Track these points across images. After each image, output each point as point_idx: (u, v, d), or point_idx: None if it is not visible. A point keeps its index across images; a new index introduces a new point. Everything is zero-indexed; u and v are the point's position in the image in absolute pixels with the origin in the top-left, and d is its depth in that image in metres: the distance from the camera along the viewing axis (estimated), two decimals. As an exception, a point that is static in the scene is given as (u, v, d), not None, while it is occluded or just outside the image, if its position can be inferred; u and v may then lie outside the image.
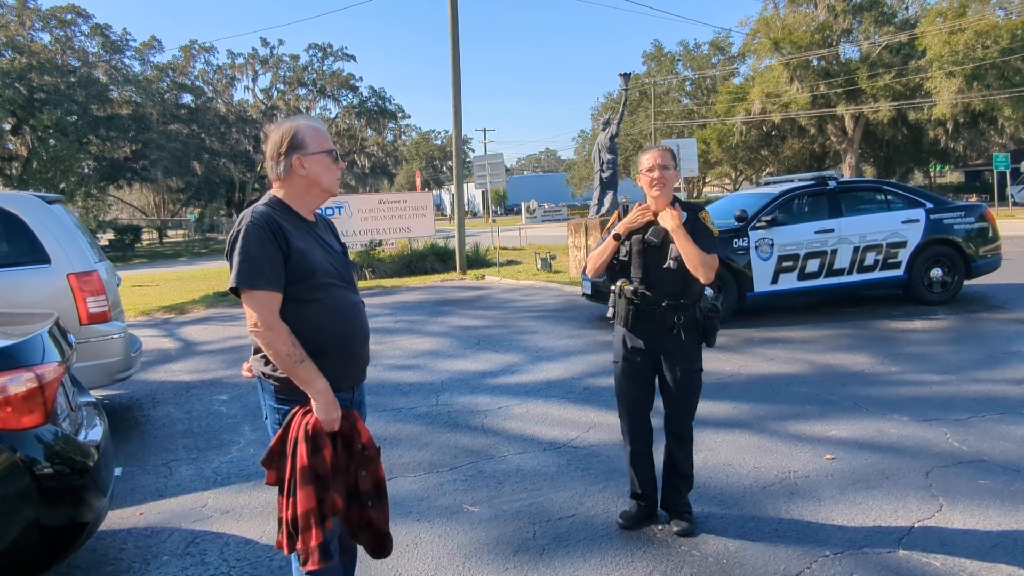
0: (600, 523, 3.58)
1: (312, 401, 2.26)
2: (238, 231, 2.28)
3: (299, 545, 2.21)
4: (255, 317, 2.24)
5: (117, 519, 3.97)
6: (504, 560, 3.27)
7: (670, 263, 3.26)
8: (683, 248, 3.21)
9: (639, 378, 3.43)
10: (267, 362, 2.31)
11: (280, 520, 2.28)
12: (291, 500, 2.22)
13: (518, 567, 3.20)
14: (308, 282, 2.31)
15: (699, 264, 3.20)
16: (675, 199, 3.39)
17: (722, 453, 4.39)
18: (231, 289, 2.27)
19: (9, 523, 2.62)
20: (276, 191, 2.42)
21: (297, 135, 2.37)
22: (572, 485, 4.07)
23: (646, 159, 3.36)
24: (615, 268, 3.44)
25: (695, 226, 3.29)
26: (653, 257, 3.31)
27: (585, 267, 3.65)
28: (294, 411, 2.29)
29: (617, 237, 3.38)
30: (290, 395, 2.31)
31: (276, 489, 2.32)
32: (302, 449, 2.21)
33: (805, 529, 3.39)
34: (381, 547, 2.45)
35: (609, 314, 3.48)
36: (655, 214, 3.34)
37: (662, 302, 3.28)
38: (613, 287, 3.45)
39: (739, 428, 4.88)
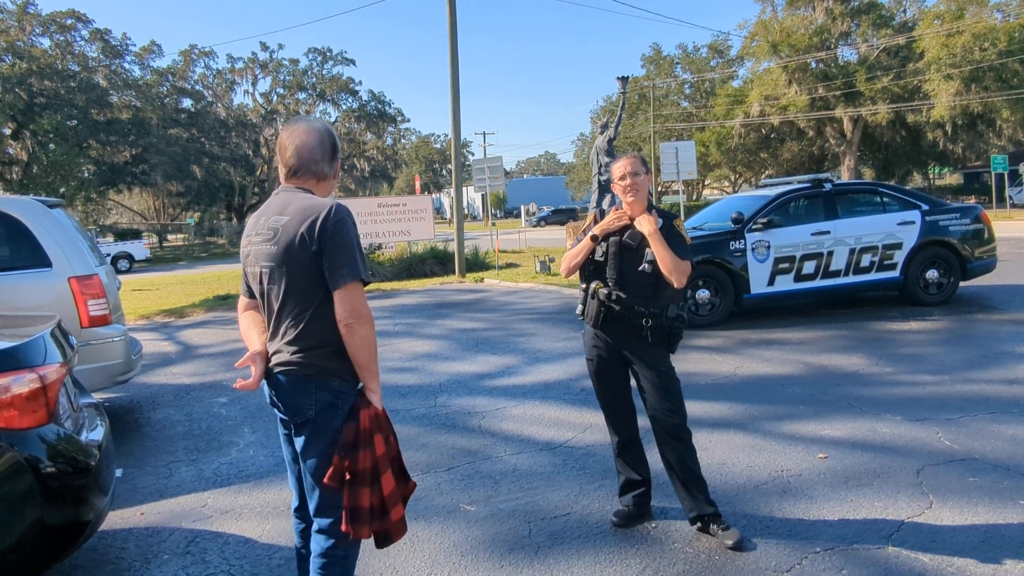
0: (594, 521, 3.63)
1: (371, 392, 2.37)
2: (339, 220, 2.25)
3: (389, 524, 2.34)
4: (360, 308, 2.25)
5: (118, 519, 4.02)
6: (499, 558, 3.32)
7: (645, 266, 3.33)
8: (658, 253, 3.28)
9: (612, 375, 3.51)
10: (332, 356, 2.31)
11: (356, 509, 2.30)
12: (376, 487, 2.31)
13: (513, 564, 3.25)
14: None
15: (673, 268, 3.26)
16: (651, 206, 3.45)
17: (716, 452, 4.44)
18: (348, 283, 2.23)
19: (13, 521, 2.66)
20: (312, 188, 2.42)
21: (337, 141, 2.48)
22: (567, 484, 4.12)
23: (617, 169, 3.44)
24: (589, 269, 3.51)
25: (670, 233, 3.35)
26: (629, 259, 3.37)
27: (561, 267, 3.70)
28: (354, 405, 2.37)
29: (594, 238, 3.45)
30: (349, 388, 2.38)
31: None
32: (379, 439, 2.33)
33: (796, 526, 3.44)
34: (387, 535, 2.45)
35: (578, 311, 3.56)
36: (631, 219, 3.41)
37: (633, 305, 3.34)
38: (583, 286, 3.51)
39: (733, 428, 4.93)
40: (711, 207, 11.32)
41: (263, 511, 4.01)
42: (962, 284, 9.25)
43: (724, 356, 7.11)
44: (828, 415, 5.08)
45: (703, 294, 8.60)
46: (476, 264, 18.34)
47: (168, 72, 47.22)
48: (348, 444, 2.31)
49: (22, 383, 2.79)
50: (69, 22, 40.85)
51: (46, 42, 40.76)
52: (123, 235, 41.54)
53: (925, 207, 9.05)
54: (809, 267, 8.70)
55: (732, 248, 8.58)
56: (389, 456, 2.37)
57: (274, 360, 2.37)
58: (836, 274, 8.76)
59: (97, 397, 4.16)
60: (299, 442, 2.39)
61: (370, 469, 2.31)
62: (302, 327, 2.31)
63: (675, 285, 3.31)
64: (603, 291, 3.39)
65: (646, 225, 3.34)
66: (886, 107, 34.64)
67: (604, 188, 14.89)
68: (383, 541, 2.38)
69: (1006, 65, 31.39)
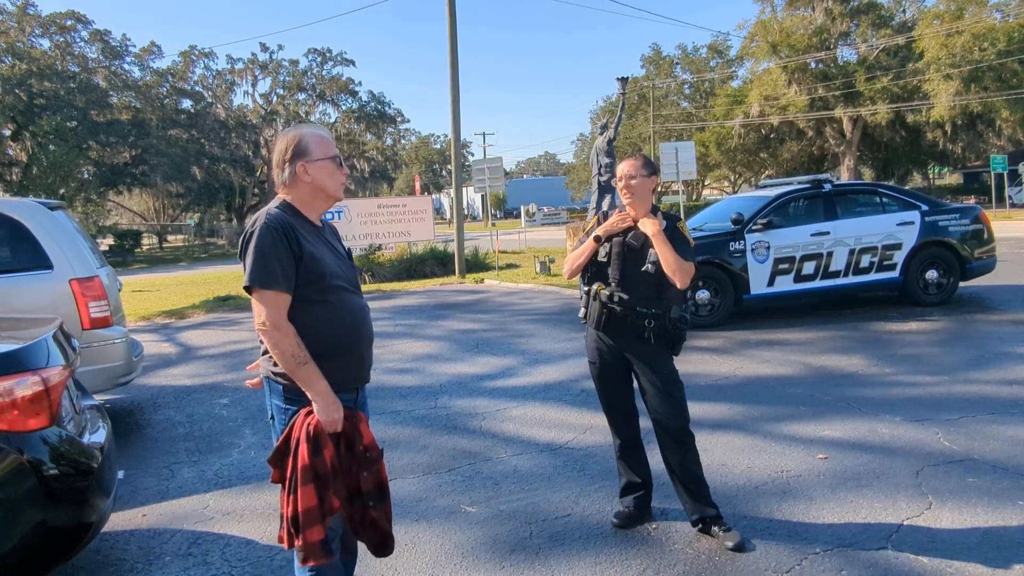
0: (595, 522, 3.64)
1: (313, 402, 2.32)
2: (252, 232, 2.34)
3: (299, 542, 2.27)
4: (263, 316, 2.30)
5: (120, 521, 4.03)
6: (500, 559, 3.33)
7: (648, 267, 3.33)
8: (662, 253, 3.29)
9: (614, 378, 3.52)
10: (276, 363, 2.37)
11: (282, 516, 2.35)
12: (292, 498, 2.28)
13: (514, 565, 3.26)
14: (318, 284, 2.37)
15: (676, 269, 3.27)
16: (655, 208, 3.47)
17: (716, 453, 4.45)
18: (244, 287, 2.33)
19: (16, 523, 2.68)
20: (284, 196, 2.49)
21: (301, 143, 2.45)
22: (568, 485, 4.13)
23: (618, 170, 3.48)
24: (591, 271, 3.51)
25: (673, 234, 3.36)
26: (632, 260, 3.38)
27: (564, 268, 3.71)
28: (298, 411, 2.35)
29: (597, 239, 3.46)
30: (298, 396, 2.36)
31: (278, 488, 2.38)
32: (304, 449, 2.27)
33: (796, 527, 3.45)
34: (383, 546, 2.51)
35: (581, 314, 3.57)
36: (635, 221, 3.42)
37: (636, 307, 3.34)
38: (586, 288, 3.52)
39: (733, 429, 4.94)
40: (711, 208, 11.34)
41: (265, 512, 4.02)
42: (962, 284, 9.26)
43: (724, 357, 7.12)
44: (828, 416, 5.09)
45: (703, 295, 8.61)
46: (476, 265, 18.34)
47: (168, 73, 47.17)
48: (279, 450, 2.35)
49: (25, 386, 2.80)
50: (69, 23, 40.82)
51: (46, 43, 40.74)
52: (121, 236, 41.56)
53: (924, 207, 9.06)
54: (809, 268, 8.71)
55: (732, 249, 8.60)
56: (314, 471, 2.28)
57: None
58: (836, 275, 8.77)
59: (99, 399, 4.17)
60: None
61: (290, 478, 2.31)
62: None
63: (679, 285, 3.31)
64: (605, 292, 3.40)
65: (650, 226, 3.35)
66: (886, 107, 34.64)
67: (604, 189, 14.89)
68: (303, 559, 2.31)
69: (1005, 65, 31.39)
